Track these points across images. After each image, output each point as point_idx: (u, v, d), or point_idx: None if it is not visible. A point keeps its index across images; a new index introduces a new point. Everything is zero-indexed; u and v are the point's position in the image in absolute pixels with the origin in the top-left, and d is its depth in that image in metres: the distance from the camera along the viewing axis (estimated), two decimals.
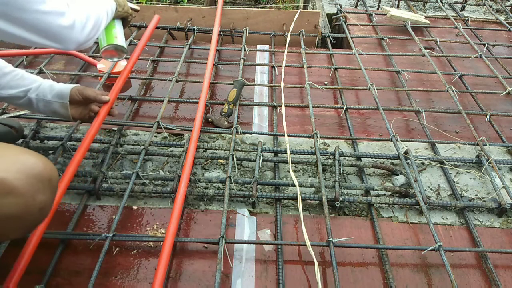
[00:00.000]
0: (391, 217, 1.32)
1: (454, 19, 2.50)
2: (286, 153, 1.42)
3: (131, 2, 2.99)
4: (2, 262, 1.08)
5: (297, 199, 1.27)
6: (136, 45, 1.47)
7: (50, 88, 1.26)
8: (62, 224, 1.23)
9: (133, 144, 1.50)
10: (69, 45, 1.04)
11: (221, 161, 1.48)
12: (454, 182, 1.45)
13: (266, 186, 1.39)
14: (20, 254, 1.00)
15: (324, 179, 1.41)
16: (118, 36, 1.29)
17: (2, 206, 0.72)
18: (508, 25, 2.48)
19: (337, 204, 1.30)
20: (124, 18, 1.35)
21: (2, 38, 0.96)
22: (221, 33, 2.23)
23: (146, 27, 2.20)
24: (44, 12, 0.94)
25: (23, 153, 0.78)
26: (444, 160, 1.49)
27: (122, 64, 1.83)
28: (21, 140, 1.47)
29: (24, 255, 1.00)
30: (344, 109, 1.73)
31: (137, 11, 1.38)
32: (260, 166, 1.42)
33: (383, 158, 1.49)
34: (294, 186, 1.31)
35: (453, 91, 1.78)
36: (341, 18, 2.44)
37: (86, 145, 1.23)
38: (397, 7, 2.75)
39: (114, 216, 1.23)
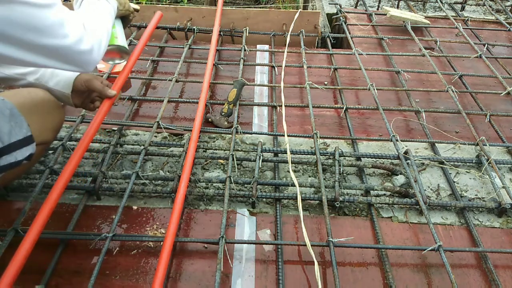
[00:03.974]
0: (391, 217, 1.32)
1: (454, 19, 2.50)
2: (286, 153, 1.42)
3: (131, 1, 3.00)
4: (2, 262, 1.08)
5: (297, 199, 1.27)
6: (137, 44, 1.44)
7: (51, 74, 1.19)
8: (62, 224, 1.23)
9: (133, 144, 1.50)
10: (89, 67, 1.02)
11: (221, 161, 1.48)
12: (454, 182, 1.45)
13: (266, 186, 1.39)
14: (14, 255, 0.97)
15: (324, 179, 1.41)
16: (119, 37, 1.24)
17: None
18: (508, 25, 2.48)
19: (337, 204, 1.30)
20: (124, 17, 1.31)
21: (14, 63, 0.94)
22: (221, 33, 2.23)
23: (146, 27, 2.19)
24: (63, 36, 0.92)
25: None
26: (444, 160, 1.49)
27: (122, 64, 1.83)
28: None
29: (18, 257, 0.97)
30: (344, 109, 1.73)
31: (137, 10, 1.34)
32: (260, 166, 1.42)
33: (383, 158, 1.49)
34: (294, 186, 1.31)
35: (453, 91, 1.78)
36: (341, 18, 2.44)
37: (87, 142, 1.18)
38: (397, 7, 2.75)
39: (114, 216, 1.23)
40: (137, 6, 1.35)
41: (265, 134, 1.60)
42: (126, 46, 1.27)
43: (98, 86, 1.21)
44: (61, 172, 1.10)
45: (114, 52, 1.26)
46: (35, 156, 1.14)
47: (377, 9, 2.74)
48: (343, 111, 1.73)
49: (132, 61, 1.34)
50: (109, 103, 1.24)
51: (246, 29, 2.22)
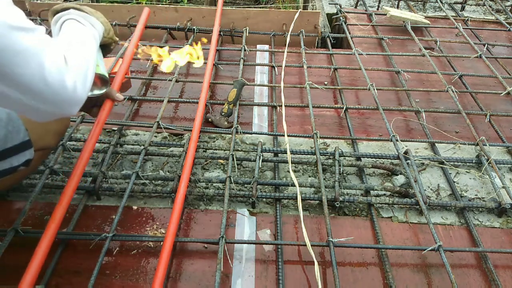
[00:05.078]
0: (391, 217, 1.32)
1: (454, 19, 2.50)
2: (286, 153, 1.42)
3: (130, 1, 2.99)
4: (2, 262, 1.08)
5: (297, 199, 1.27)
6: (129, 44, 1.41)
7: None
8: (62, 224, 1.22)
9: (133, 144, 1.50)
10: (71, 109, 0.87)
11: (221, 161, 1.48)
12: (454, 182, 1.45)
13: (266, 186, 1.39)
14: (33, 255, 0.98)
15: (324, 179, 1.41)
16: (100, 65, 1.11)
17: None
18: (508, 25, 2.48)
19: (337, 204, 1.30)
20: (106, 45, 1.17)
21: None
22: (221, 33, 2.23)
23: (146, 27, 2.19)
24: (38, 66, 0.78)
25: None
26: (444, 160, 1.49)
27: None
28: None
29: (38, 256, 0.99)
30: (344, 109, 1.73)
31: (116, 42, 1.22)
32: (260, 166, 1.42)
33: (383, 158, 1.49)
34: (294, 186, 1.31)
35: (453, 91, 1.78)
36: (341, 18, 2.44)
37: (91, 145, 1.17)
38: (397, 7, 2.75)
39: (114, 216, 1.23)
40: (116, 38, 1.23)
41: (265, 134, 1.60)
42: (107, 75, 1.14)
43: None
44: (70, 175, 1.10)
45: (95, 80, 1.10)
46: (36, 161, 1.11)
47: (377, 9, 2.74)
48: (343, 111, 1.73)
49: (127, 61, 1.34)
50: (110, 104, 1.23)
51: (246, 29, 2.22)
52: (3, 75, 0.76)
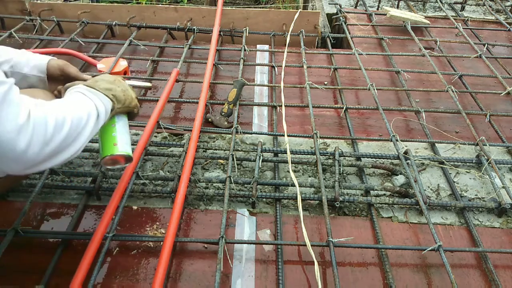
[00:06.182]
0: (391, 217, 1.32)
1: (454, 19, 2.50)
2: (286, 153, 1.42)
3: (130, 1, 2.99)
4: (2, 262, 1.08)
5: (297, 199, 1.27)
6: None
7: (27, 60, 1.11)
8: (62, 224, 1.23)
9: (133, 144, 1.50)
10: (15, 167, 0.80)
11: (221, 161, 1.48)
12: (454, 182, 1.45)
13: (266, 186, 1.39)
14: (83, 256, 1.05)
15: (324, 179, 1.41)
16: (119, 142, 1.05)
17: None
18: (508, 25, 2.48)
19: (337, 204, 1.30)
20: (130, 113, 1.15)
21: None
22: (221, 33, 2.23)
23: (146, 27, 2.21)
24: None
25: None
26: (444, 160, 1.49)
27: (122, 64, 1.83)
28: None
29: (87, 257, 1.05)
30: (344, 109, 1.73)
31: (149, 88, 1.19)
32: (260, 166, 1.42)
33: (383, 158, 1.49)
34: (294, 186, 1.31)
35: (453, 91, 1.78)
36: (341, 18, 2.44)
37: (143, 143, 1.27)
38: (397, 7, 2.75)
39: (114, 216, 1.23)
40: (148, 84, 1.21)
41: (265, 134, 1.60)
42: (130, 152, 1.08)
43: (74, 70, 1.17)
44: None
45: (114, 159, 1.07)
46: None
47: (377, 9, 2.74)
48: (343, 111, 1.73)
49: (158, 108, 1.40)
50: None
51: (246, 29, 2.22)
52: None
